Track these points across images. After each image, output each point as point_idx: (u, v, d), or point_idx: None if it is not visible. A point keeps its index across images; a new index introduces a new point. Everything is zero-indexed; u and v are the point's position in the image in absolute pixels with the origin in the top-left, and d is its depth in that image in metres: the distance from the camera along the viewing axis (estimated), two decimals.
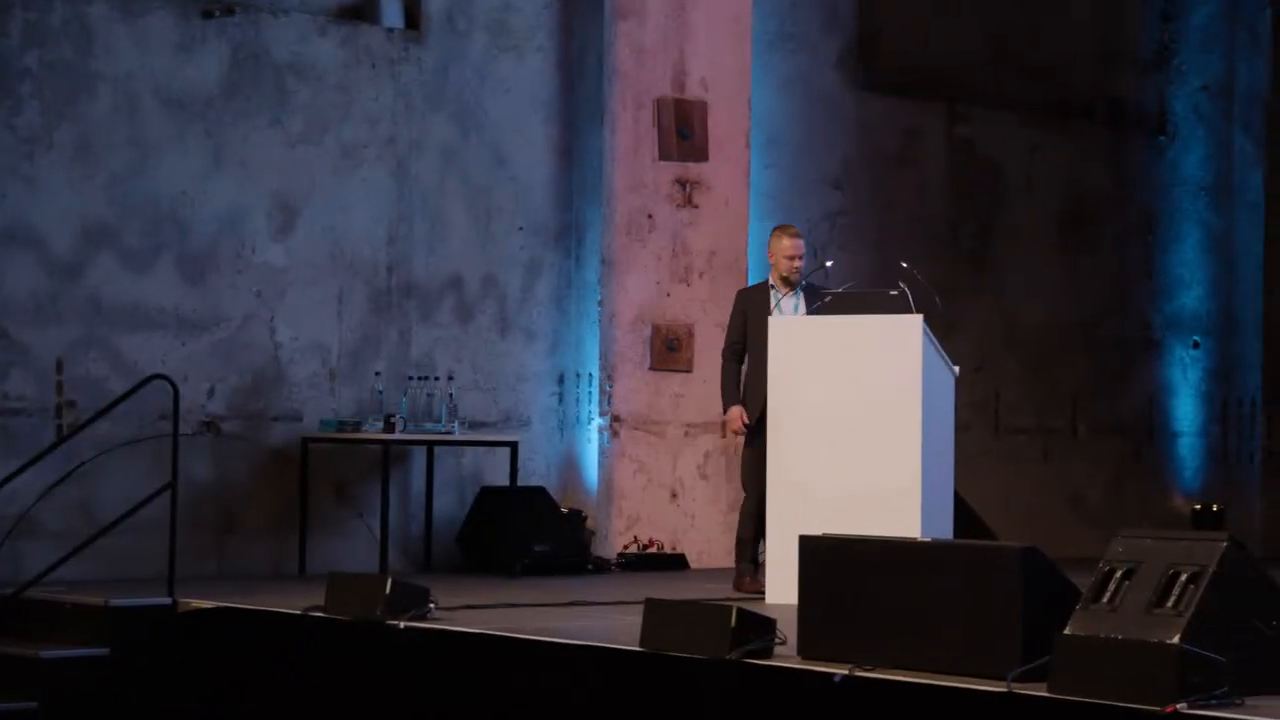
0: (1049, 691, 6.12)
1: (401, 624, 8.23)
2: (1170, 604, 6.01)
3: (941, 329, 9.53)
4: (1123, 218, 14.71)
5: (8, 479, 9.65)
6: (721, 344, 10.20)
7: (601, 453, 12.00)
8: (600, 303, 12.00)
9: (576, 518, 11.67)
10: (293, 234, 11.17)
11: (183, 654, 9.18)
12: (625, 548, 11.83)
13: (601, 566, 11.55)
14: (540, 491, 11.77)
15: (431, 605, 8.44)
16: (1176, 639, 5.87)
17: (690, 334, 12.10)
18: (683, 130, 12.12)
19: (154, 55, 10.72)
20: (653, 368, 12.03)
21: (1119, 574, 6.21)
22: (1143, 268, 14.80)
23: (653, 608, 7.42)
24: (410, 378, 11.42)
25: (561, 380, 12.16)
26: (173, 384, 9.70)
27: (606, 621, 8.57)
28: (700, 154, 12.17)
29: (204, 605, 9.19)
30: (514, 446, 11.51)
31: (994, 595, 6.49)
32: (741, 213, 12.32)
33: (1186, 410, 14.90)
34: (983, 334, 13.81)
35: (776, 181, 12.94)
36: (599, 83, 12.04)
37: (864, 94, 13.45)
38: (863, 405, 9.18)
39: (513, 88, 11.97)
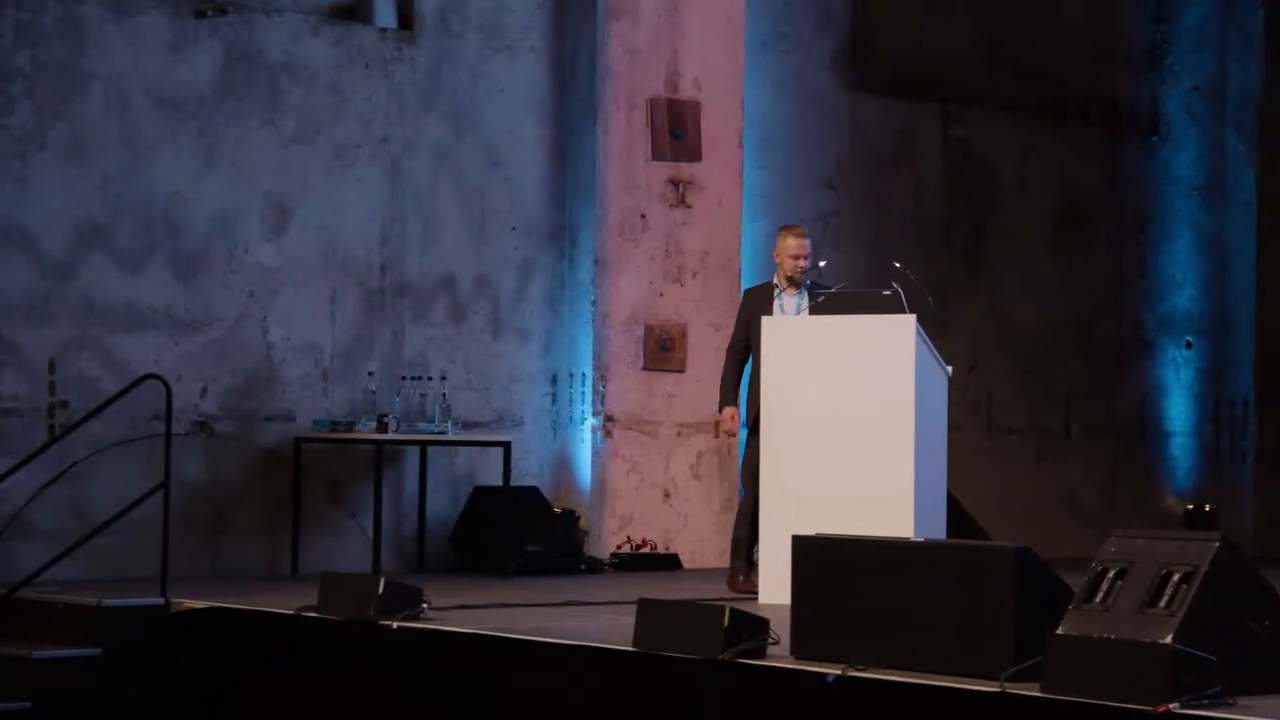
0: (1042, 691, 6.12)
1: (394, 624, 8.23)
2: (1163, 604, 6.01)
3: (935, 329, 9.54)
4: (1116, 218, 14.72)
5: (0, 479, 9.64)
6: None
7: (594, 453, 12.00)
8: (593, 303, 12.00)
9: (569, 518, 11.66)
10: (286, 234, 11.16)
11: (175, 654, 9.17)
12: (618, 548, 11.83)
13: (594, 566, 11.55)
14: (533, 491, 11.77)
15: (424, 605, 8.43)
16: (1169, 639, 5.88)
17: (683, 334, 12.10)
18: (676, 130, 12.12)
19: (147, 55, 10.71)
20: (646, 368, 12.03)
21: (1111, 574, 6.21)
22: (1135, 268, 14.81)
23: (646, 608, 7.41)
24: (403, 378, 11.42)
25: (555, 380, 12.16)
26: (165, 384, 9.70)
27: (599, 621, 8.57)
28: (693, 154, 12.18)
29: (197, 605, 9.19)
30: (507, 446, 11.51)
31: (987, 595, 6.49)
32: (735, 213, 12.32)
33: (1179, 410, 14.91)
34: (976, 334, 13.82)
35: (770, 182, 12.95)
36: (592, 83, 12.04)
37: (857, 94, 13.45)
38: (856, 405, 9.18)
39: (506, 88, 11.97)
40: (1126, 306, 14.74)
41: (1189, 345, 14.94)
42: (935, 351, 9.28)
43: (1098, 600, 6.18)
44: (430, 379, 11.47)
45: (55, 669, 8.92)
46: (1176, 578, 6.05)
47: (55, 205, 10.42)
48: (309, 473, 11.12)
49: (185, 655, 9.16)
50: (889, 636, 6.71)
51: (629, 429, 11.98)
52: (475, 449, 11.68)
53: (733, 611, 7.09)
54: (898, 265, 9.63)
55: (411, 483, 11.53)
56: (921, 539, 8.33)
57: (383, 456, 11.05)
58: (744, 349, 10.03)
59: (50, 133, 10.41)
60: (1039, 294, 14.25)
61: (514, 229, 12.00)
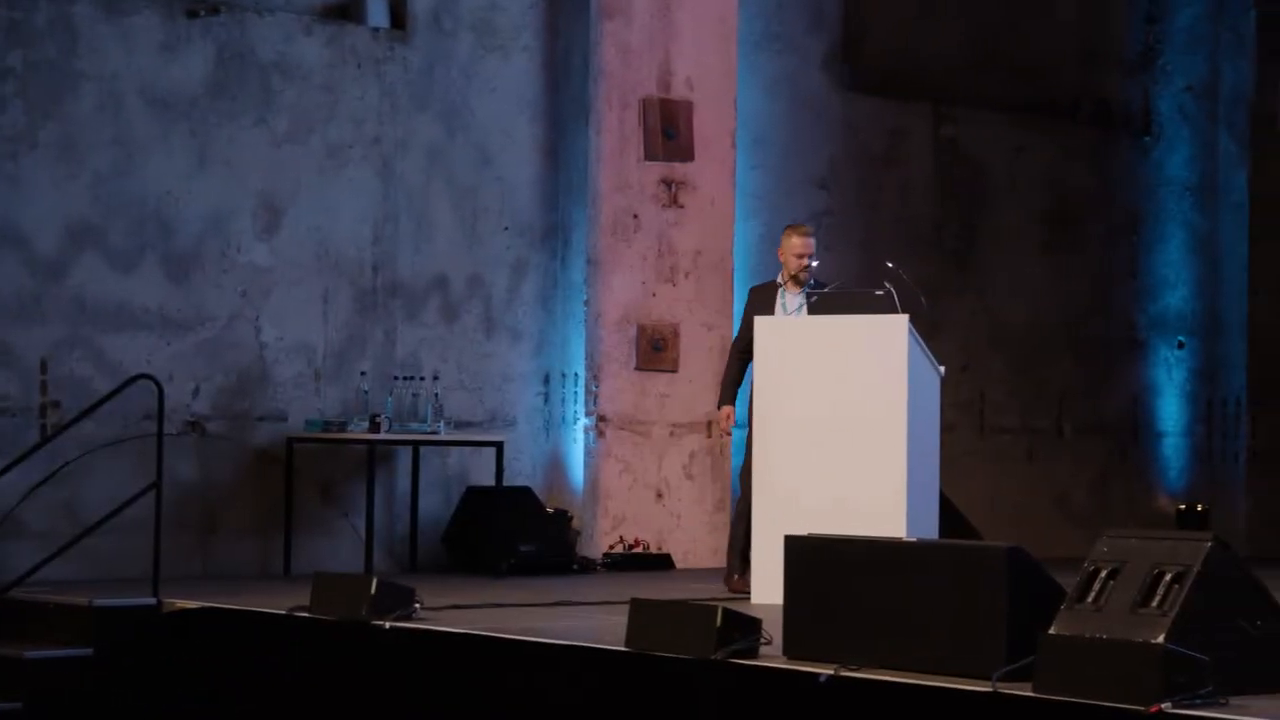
0: (1034, 691, 6.12)
1: (387, 624, 8.23)
2: (1155, 604, 6.02)
3: (927, 329, 9.54)
4: (1107, 218, 14.72)
5: None
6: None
7: (587, 453, 11.99)
8: (586, 303, 12.00)
9: (562, 518, 11.66)
10: (278, 234, 11.15)
11: (167, 654, 9.17)
12: (611, 548, 11.83)
13: (587, 566, 11.55)
14: (526, 491, 11.77)
15: (417, 605, 8.43)
16: (1161, 639, 5.88)
17: (676, 334, 12.10)
18: (668, 130, 12.12)
19: (139, 55, 10.70)
20: (638, 368, 12.03)
21: (1104, 574, 6.22)
22: (1127, 268, 14.81)
23: (638, 608, 7.41)
24: (396, 378, 11.42)
25: (547, 380, 12.15)
26: (157, 384, 9.69)
27: (592, 621, 8.57)
28: (686, 154, 12.17)
29: (189, 605, 9.18)
30: (499, 446, 11.50)
31: (979, 595, 6.50)
32: (727, 213, 12.32)
33: (1171, 410, 14.92)
34: (968, 334, 13.82)
35: (762, 182, 12.95)
36: (585, 83, 12.03)
37: (849, 94, 13.46)
38: (848, 405, 9.18)
39: (498, 87, 11.97)
40: (1118, 306, 14.74)
41: (1181, 345, 14.95)
42: (928, 351, 9.28)
43: (1090, 600, 6.18)
44: (423, 379, 11.46)
45: (47, 669, 8.91)
46: (1169, 578, 6.05)
47: (47, 205, 10.41)
48: (301, 473, 11.11)
49: (177, 655, 9.15)
50: (881, 636, 6.71)
51: (621, 429, 11.98)
52: (468, 449, 11.68)
53: (725, 611, 7.09)
54: (890, 265, 9.63)
55: (404, 483, 11.52)
56: (914, 539, 8.34)
57: (375, 456, 11.05)
58: (747, 348, 10.02)
59: (42, 132, 10.40)
60: (1030, 294, 14.25)
61: (506, 229, 12.00)
